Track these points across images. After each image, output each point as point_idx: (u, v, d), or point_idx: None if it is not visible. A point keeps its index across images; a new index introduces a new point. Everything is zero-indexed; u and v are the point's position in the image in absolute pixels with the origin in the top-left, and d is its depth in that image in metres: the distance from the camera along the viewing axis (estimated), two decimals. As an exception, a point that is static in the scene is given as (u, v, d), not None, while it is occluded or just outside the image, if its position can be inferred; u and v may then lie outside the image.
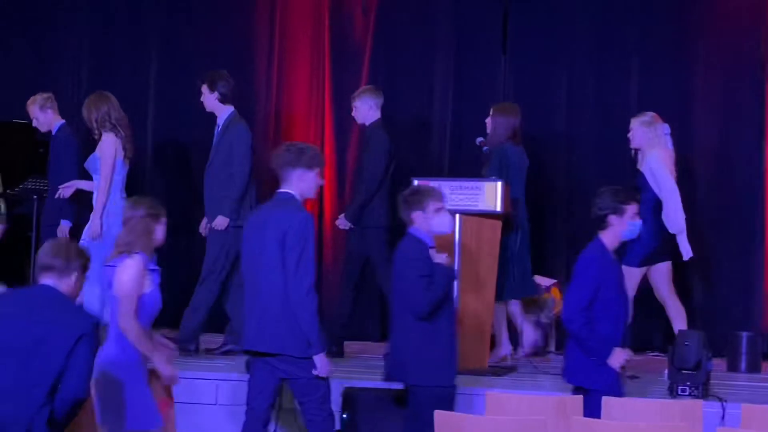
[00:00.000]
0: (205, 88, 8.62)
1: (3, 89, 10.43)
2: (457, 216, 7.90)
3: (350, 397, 7.21)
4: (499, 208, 7.93)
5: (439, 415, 5.59)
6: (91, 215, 8.33)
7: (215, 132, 8.66)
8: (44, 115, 9.05)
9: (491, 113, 8.66)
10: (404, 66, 10.10)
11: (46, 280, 4.95)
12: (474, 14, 9.99)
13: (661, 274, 8.38)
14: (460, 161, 9.67)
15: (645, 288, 8.36)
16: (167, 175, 10.42)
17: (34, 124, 9.12)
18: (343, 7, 10.21)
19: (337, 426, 7.17)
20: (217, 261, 8.41)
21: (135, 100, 10.17)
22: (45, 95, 9.12)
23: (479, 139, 8.76)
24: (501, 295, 8.41)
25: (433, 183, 8.01)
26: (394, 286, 6.50)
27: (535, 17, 9.92)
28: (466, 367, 7.83)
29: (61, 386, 4.69)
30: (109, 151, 8.35)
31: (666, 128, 8.50)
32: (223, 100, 8.59)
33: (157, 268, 5.81)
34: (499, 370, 8.09)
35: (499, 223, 8.22)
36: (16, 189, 9.36)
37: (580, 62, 9.85)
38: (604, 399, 5.86)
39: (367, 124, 8.80)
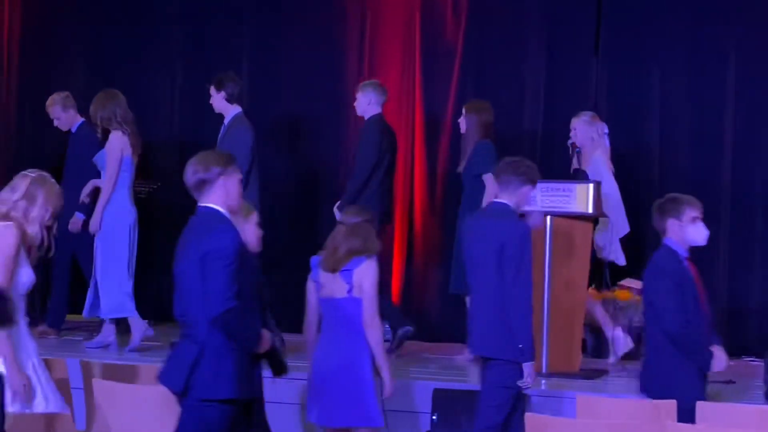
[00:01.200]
0: (212, 89, 8.75)
1: (95, 89, 10.55)
2: (548, 217, 7.86)
3: (440, 398, 7.19)
4: (590, 210, 7.87)
5: (530, 418, 5.55)
6: (95, 210, 8.49)
7: (220, 131, 8.76)
8: (66, 114, 9.20)
9: (465, 112, 8.75)
10: (495, 67, 10.04)
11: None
12: (566, 15, 9.90)
13: None
14: (552, 162, 9.59)
15: (740, 292, 8.24)
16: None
17: (56, 123, 9.25)
18: (434, 8, 10.18)
19: (427, 427, 7.17)
20: None
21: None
22: (63, 94, 9.28)
23: (571, 141, 8.69)
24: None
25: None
26: (644, 298, 6.33)
27: (628, 17, 9.79)
28: (556, 369, 7.79)
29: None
30: (116, 149, 8.47)
31: (604, 127, 8.60)
32: (230, 100, 8.70)
33: None
34: (591, 373, 8.01)
35: (590, 225, 8.15)
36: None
37: (674, 62, 9.71)
38: (699, 404, 5.77)
39: (366, 117, 8.89)
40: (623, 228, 8.63)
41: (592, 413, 5.87)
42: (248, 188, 8.38)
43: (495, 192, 7.86)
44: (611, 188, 8.41)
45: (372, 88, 8.90)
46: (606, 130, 8.68)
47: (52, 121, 9.32)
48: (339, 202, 8.73)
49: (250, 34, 10.57)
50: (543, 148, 9.84)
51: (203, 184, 5.27)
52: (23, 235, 5.31)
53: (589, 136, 8.59)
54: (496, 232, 6.22)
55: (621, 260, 8.65)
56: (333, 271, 6.07)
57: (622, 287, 8.58)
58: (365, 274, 6.04)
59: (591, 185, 7.88)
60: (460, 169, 8.78)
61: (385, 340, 6.74)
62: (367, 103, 8.85)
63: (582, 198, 7.85)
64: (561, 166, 9.23)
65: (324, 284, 6.13)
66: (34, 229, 5.37)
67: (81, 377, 6.36)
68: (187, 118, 10.59)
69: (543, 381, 7.57)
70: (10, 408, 5.10)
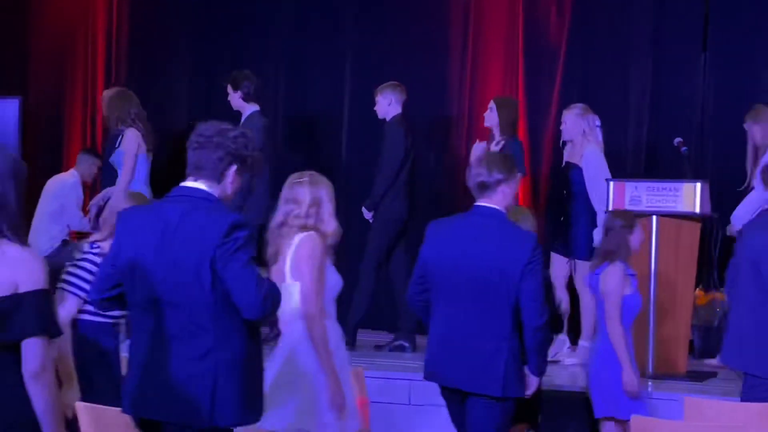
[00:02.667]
0: (229, 88, 8.91)
1: (207, 94, 10.67)
2: (654, 218, 7.76)
3: (545, 400, 7.12)
4: (698, 210, 7.74)
5: (636, 420, 5.48)
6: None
7: None
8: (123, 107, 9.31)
9: (493, 106, 8.71)
10: (600, 66, 9.93)
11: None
12: (673, 10, 9.77)
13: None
14: (657, 161, 9.48)
15: None
16: (357, 178, 10.48)
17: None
18: (538, 7, 10.12)
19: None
20: None
21: (329, 106, 10.31)
22: (117, 90, 9.39)
23: (677, 140, 8.57)
24: None
25: (630, 184, 7.93)
26: None
27: (737, 12, 9.62)
28: (662, 371, 7.70)
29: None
30: (132, 146, 8.63)
31: (596, 119, 8.47)
32: (247, 98, 8.88)
33: (634, 272, 6.50)
34: (698, 374, 7.90)
35: (698, 225, 8.02)
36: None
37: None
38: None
39: (387, 119, 8.91)
40: None
41: (700, 416, 5.77)
42: (255, 190, 8.56)
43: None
44: (601, 191, 8.20)
45: (391, 89, 8.95)
46: (598, 123, 8.51)
47: (157, 118, 9.43)
48: (367, 202, 8.84)
49: (352, 38, 10.61)
50: (648, 147, 9.73)
51: (483, 186, 5.53)
52: (325, 240, 5.34)
53: (580, 128, 8.43)
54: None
55: None
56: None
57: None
58: (609, 277, 6.40)
59: (698, 185, 7.75)
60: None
61: None
62: (387, 104, 8.92)
63: (689, 197, 7.73)
64: (667, 165, 9.12)
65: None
66: (332, 226, 5.37)
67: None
68: (288, 121, 10.67)
69: (649, 383, 7.48)
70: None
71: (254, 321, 4.27)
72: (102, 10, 11.22)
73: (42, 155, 10.65)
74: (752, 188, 8.14)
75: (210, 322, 4.23)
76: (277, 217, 5.37)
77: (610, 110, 9.65)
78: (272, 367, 5.22)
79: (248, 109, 8.92)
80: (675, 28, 9.77)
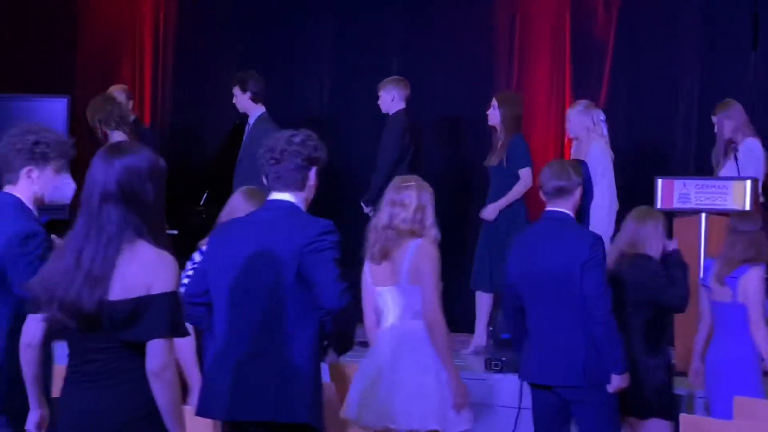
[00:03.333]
0: (237, 90, 8.86)
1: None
2: (703, 215, 7.69)
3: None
4: (747, 207, 7.65)
5: (685, 419, 5.42)
6: None
7: (245, 131, 8.87)
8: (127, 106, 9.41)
9: (496, 105, 8.65)
10: (648, 63, 9.86)
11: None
12: (722, 8, 9.68)
13: None
14: (707, 158, 9.38)
15: None
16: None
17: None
18: (585, 5, 10.06)
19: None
20: None
21: (373, 105, 10.27)
22: (123, 87, 9.55)
23: (727, 137, 8.49)
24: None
25: (678, 182, 7.86)
26: None
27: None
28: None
29: None
30: None
31: (601, 114, 8.44)
32: (255, 99, 8.83)
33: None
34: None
35: (747, 224, 7.93)
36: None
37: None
38: None
39: (390, 113, 8.91)
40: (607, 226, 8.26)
41: (750, 415, 5.71)
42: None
43: (528, 185, 8.26)
44: (603, 188, 8.21)
45: (394, 84, 8.95)
46: (602, 118, 8.47)
47: (204, 118, 9.49)
48: (364, 197, 8.82)
49: (399, 36, 10.59)
50: (698, 145, 9.64)
51: (562, 191, 5.71)
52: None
53: (584, 125, 8.37)
54: None
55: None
56: (720, 277, 6.27)
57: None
58: (750, 281, 6.19)
59: (748, 182, 7.67)
60: (489, 162, 8.70)
61: None
62: (390, 100, 8.92)
63: (739, 195, 7.64)
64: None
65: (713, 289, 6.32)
66: (435, 231, 5.58)
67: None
68: (334, 118, 10.67)
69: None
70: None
71: (334, 312, 4.47)
72: (149, 10, 11.28)
73: (89, 155, 10.62)
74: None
75: (292, 325, 4.47)
76: (383, 219, 5.57)
77: (658, 108, 9.60)
78: (386, 366, 5.48)
79: (256, 110, 8.90)
80: (724, 27, 9.68)
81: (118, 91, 9.48)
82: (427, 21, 10.53)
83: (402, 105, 8.93)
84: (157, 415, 3.73)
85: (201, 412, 4.64)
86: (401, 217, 5.52)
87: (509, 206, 8.54)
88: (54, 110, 10.12)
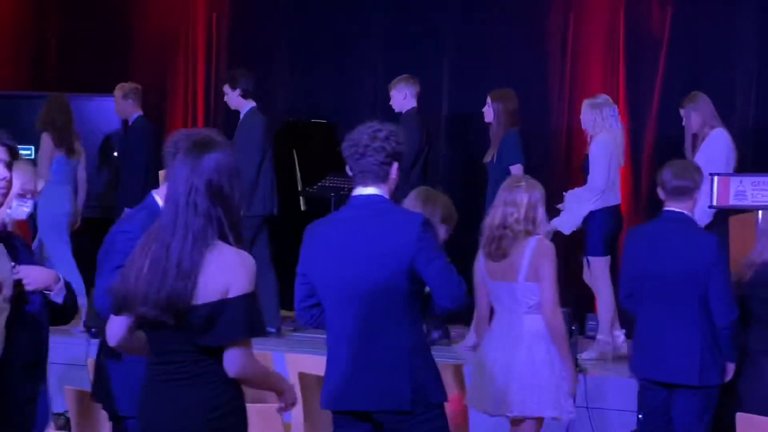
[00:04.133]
0: (227, 87, 9.06)
1: (305, 91, 10.74)
2: (760, 213, 7.60)
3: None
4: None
5: (742, 418, 5.36)
6: None
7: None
8: (125, 103, 9.68)
9: (489, 101, 8.66)
10: (704, 58, 9.77)
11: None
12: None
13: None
14: (764, 155, 9.30)
15: None
16: (458, 179, 10.42)
17: (116, 108, 9.75)
18: (640, 1, 9.98)
19: (633, 426, 7.02)
20: None
21: (427, 103, 10.26)
22: (132, 85, 9.72)
23: None
24: None
25: (734, 178, 7.76)
26: None
27: None
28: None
29: None
30: (44, 150, 9.30)
31: (612, 111, 8.42)
32: (245, 95, 9.00)
33: None
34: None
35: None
36: (315, 186, 9.61)
37: None
38: None
39: (403, 112, 8.92)
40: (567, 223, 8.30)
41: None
42: (260, 182, 8.78)
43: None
44: (598, 176, 8.22)
45: (404, 82, 8.98)
46: (613, 113, 8.46)
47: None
48: None
49: (451, 34, 10.56)
50: (754, 142, 9.55)
51: (682, 191, 5.89)
52: None
53: (591, 119, 8.40)
54: None
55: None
56: None
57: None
58: None
59: (806, 178, 7.58)
60: (487, 159, 8.70)
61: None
62: (402, 98, 8.97)
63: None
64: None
65: None
66: (546, 228, 5.94)
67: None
68: (386, 116, 10.63)
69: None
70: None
71: (449, 311, 4.67)
72: (202, 8, 11.33)
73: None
74: None
75: (403, 314, 4.59)
76: (496, 218, 5.77)
77: (714, 104, 9.47)
78: (501, 357, 5.70)
79: (246, 105, 9.06)
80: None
81: (118, 89, 9.72)
82: (480, 19, 10.49)
83: (413, 103, 8.99)
84: (240, 412, 3.79)
85: (325, 404, 4.76)
86: (514, 216, 5.73)
87: None
88: (109, 108, 10.20)
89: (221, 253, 3.69)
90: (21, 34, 11.61)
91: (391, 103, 9.07)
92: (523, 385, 5.68)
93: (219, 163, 3.72)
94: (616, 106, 8.57)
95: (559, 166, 9.95)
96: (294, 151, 10.01)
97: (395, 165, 4.69)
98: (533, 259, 5.67)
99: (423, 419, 4.59)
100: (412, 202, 5.53)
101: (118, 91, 9.72)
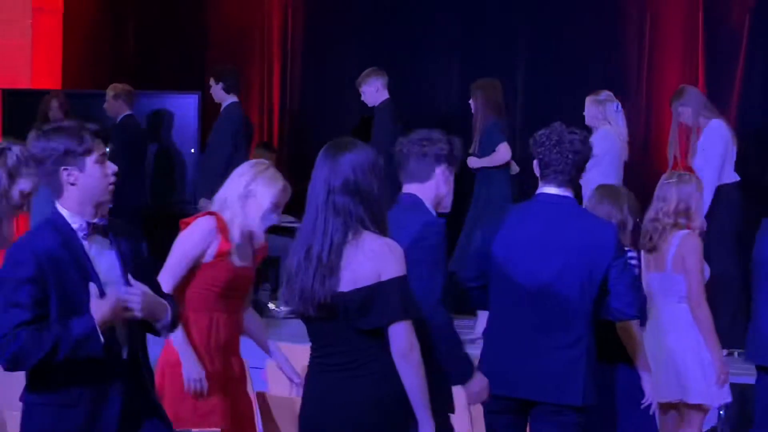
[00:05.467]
0: (212, 81, 9.29)
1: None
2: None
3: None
4: None
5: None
6: None
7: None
8: (115, 103, 9.83)
9: (472, 91, 8.66)
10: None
11: None
12: None
13: None
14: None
15: None
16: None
17: (105, 106, 9.85)
18: (718, 1, 9.86)
19: (714, 422, 6.96)
20: None
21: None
22: (124, 87, 9.86)
23: None
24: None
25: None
26: None
27: None
28: None
29: None
30: None
31: (615, 106, 8.57)
32: (228, 89, 9.22)
33: None
34: None
35: None
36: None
37: None
38: None
39: (377, 105, 8.99)
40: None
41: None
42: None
43: (505, 158, 8.53)
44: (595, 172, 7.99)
45: (374, 75, 9.07)
46: (615, 108, 8.56)
47: (331, 113, 9.60)
48: None
49: (525, 34, 10.51)
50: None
51: None
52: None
53: (593, 114, 8.57)
54: None
55: None
56: None
57: None
58: None
59: None
60: (471, 150, 8.73)
61: None
62: (374, 91, 9.05)
63: None
64: None
65: None
66: (699, 222, 6.07)
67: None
68: (461, 119, 10.63)
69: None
70: None
71: (627, 317, 4.98)
72: (277, 7, 11.37)
73: (220, 149, 10.82)
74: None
75: (581, 314, 4.78)
76: (650, 212, 6.00)
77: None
78: (653, 345, 5.73)
79: (227, 99, 9.27)
80: None
81: (110, 89, 9.90)
82: (555, 18, 10.42)
83: (386, 95, 9.09)
84: (403, 400, 3.86)
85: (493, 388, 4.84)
86: (664, 210, 5.93)
87: (490, 184, 8.67)
88: (186, 105, 10.30)
89: (367, 242, 3.84)
90: (100, 34, 11.74)
91: (363, 98, 9.19)
92: (674, 373, 5.86)
93: (355, 161, 3.90)
94: (619, 102, 8.65)
95: (635, 162, 9.83)
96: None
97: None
98: (679, 251, 5.87)
99: (578, 416, 4.79)
100: (595, 200, 5.63)
101: (110, 91, 9.91)
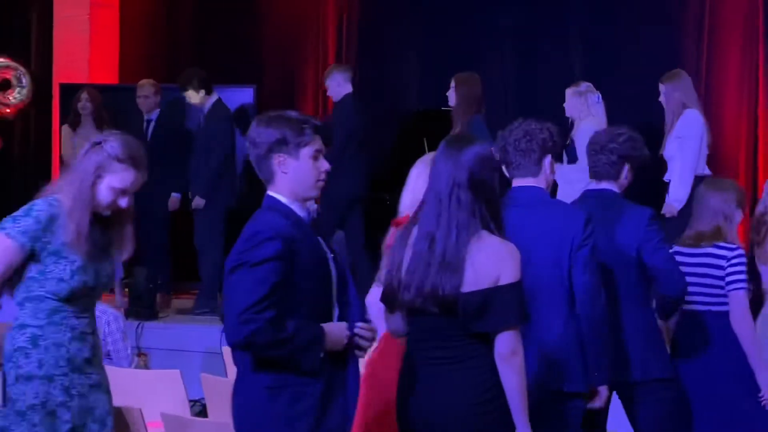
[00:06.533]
0: (191, 90, 9.42)
1: (433, 78, 10.72)
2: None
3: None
4: None
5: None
6: None
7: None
8: (155, 99, 9.91)
9: (452, 85, 8.56)
10: None
11: None
12: None
13: None
14: None
15: None
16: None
17: (141, 102, 9.95)
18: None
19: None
20: None
21: (556, 94, 10.17)
22: (154, 83, 9.96)
23: None
24: None
25: None
26: None
27: None
28: None
29: None
30: None
31: (596, 97, 8.58)
32: (208, 91, 9.45)
33: None
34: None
35: None
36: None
37: None
38: None
39: (338, 98, 9.17)
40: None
41: None
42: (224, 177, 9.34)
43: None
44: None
45: (335, 70, 9.24)
46: (597, 99, 8.54)
47: (385, 110, 9.62)
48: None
49: (582, 23, 10.44)
50: None
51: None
52: None
53: (576, 106, 8.59)
54: None
55: None
56: None
57: None
58: None
59: None
60: None
61: None
62: (336, 85, 9.17)
63: None
64: None
65: None
66: None
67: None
68: (519, 105, 10.60)
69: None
70: None
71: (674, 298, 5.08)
72: (332, 3, 11.38)
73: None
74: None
75: (638, 295, 5.03)
76: (760, 206, 5.99)
77: None
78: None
79: (210, 99, 9.49)
80: None
81: (151, 85, 10.00)
82: (611, 6, 10.34)
83: (349, 88, 9.19)
84: (503, 399, 3.88)
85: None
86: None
87: None
88: (242, 98, 10.34)
89: (488, 243, 3.86)
90: (156, 28, 11.82)
91: (328, 93, 9.33)
92: None
93: (478, 156, 3.91)
94: (599, 93, 8.65)
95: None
96: (425, 139, 10.01)
97: (626, 166, 5.09)
98: None
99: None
100: (701, 193, 5.63)
101: (150, 87, 9.95)
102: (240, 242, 3.85)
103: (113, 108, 10.13)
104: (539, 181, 4.75)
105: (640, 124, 9.99)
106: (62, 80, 11.06)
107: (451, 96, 8.68)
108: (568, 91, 8.68)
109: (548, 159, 4.75)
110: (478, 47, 10.71)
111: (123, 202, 4.31)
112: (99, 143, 4.32)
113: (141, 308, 9.14)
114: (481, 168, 3.89)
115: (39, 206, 4.25)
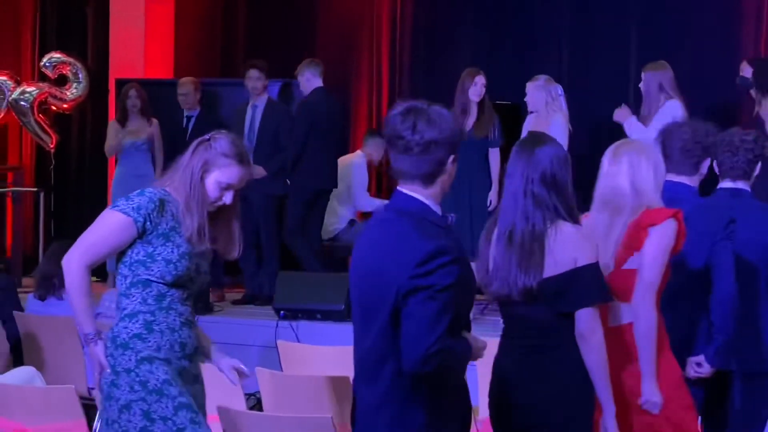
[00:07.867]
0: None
1: (488, 72, 10.69)
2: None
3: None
4: None
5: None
6: None
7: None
8: (195, 95, 9.99)
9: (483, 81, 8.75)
10: None
11: None
12: None
13: None
14: None
15: None
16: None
17: (182, 99, 10.01)
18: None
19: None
20: None
21: (614, 85, 10.09)
22: (194, 80, 10.05)
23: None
24: None
25: None
26: None
27: None
28: None
29: None
30: None
31: (559, 89, 8.68)
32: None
33: None
34: None
35: None
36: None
37: None
38: None
39: (308, 93, 9.35)
40: None
41: None
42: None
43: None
44: None
45: (305, 66, 9.37)
46: (561, 92, 8.61)
47: (439, 101, 9.55)
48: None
49: (641, 4, 10.35)
50: None
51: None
52: None
53: (543, 100, 8.60)
54: None
55: None
56: None
57: None
58: None
59: None
60: (484, 134, 8.85)
61: None
62: (306, 81, 9.34)
63: None
64: None
65: None
66: None
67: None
68: (574, 100, 10.54)
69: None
70: None
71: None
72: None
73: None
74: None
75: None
76: None
77: None
78: None
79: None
80: None
81: (191, 83, 10.07)
82: (667, 5, 10.25)
83: (319, 83, 9.35)
84: (590, 383, 4.11)
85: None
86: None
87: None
88: (295, 94, 10.35)
89: (563, 230, 4.09)
90: (211, 23, 11.88)
91: (300, 88, 9.49)
92: None
93: (551, 154, 4.13)
94: (560, 86, 8.71)
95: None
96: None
97: (758, 165, 5.29)
98: None
99: None
100: None
101: (190, 84, 10.02)
102: (415, 259, 3.62)
103: (167, 102, 10.19)
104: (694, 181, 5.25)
105: (702, 112, 10.08)
106: (118, 75, 11.14)
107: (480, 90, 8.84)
108: (530, 86, 8.73)
109: (707, 161, 5.23)
110: (531, 35, 10.69)
111: (228, 197, 4.37)
112: (207, 140, 4.39)
113: (196, 302, 9.15)
114: (553, 165, 4.11)
115: (151, 190, 4.35)
